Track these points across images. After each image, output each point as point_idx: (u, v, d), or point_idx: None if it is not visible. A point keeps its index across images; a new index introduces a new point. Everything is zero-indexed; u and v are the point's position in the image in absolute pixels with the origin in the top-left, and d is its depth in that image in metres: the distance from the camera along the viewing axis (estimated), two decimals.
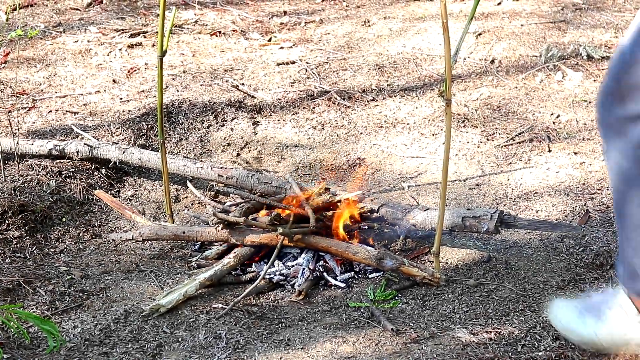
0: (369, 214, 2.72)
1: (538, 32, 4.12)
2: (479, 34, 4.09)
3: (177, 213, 3.03)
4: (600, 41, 3.95)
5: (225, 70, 3.83)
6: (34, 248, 2.72)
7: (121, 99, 3.61)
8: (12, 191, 2.92)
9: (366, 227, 2.70)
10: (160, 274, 2.61)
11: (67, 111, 3.52)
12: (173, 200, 3.08)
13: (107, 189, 3.10)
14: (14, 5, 4.48)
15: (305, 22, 4.42)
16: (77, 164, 3.13)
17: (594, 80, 3.66)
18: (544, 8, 4.43)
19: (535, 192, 2.99)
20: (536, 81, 3.71)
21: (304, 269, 2.59)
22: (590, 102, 3.51)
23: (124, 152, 3.10)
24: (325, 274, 2.60)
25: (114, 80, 3.77)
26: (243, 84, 3.71)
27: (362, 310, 2.38)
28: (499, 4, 4.48)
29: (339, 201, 2.68)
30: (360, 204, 2.70)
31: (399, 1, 4.70)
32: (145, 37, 4.18)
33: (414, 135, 3.38)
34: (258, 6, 4.67)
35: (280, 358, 2.16)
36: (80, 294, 2.47)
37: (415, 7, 4.59)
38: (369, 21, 4.38)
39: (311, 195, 2.68)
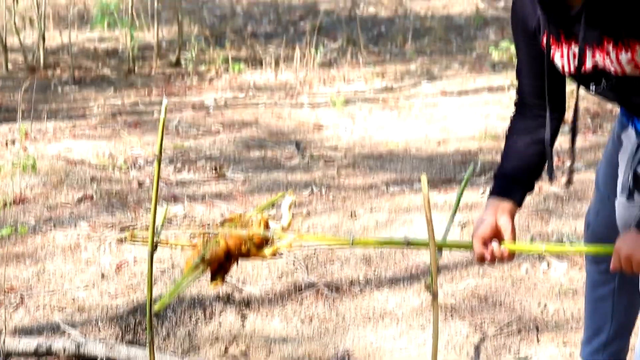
0: None
1: (522, 222, 4.20)
2: (464, 225, 4.17)
3: None
4: (581, 231, 4.01)
5: None
6: None
7: (109, 294, 3.62)
8: None
9: None
10: None
11: (55, 307, 3.51)
12: None
13: None
14: (4, 201, 4.55)
15: (293, 215, 4.49)
16: None
17: (580, 269, 3.70)
18: (527, 198, 4.52)
19: None
20: (522, 271, 3.75)
21: None
22: (576, 292, 3.54)
23: (111, 349, 3.08)
24: None
25: (102, 275, 3.79)
26: (231, 277, 3.73)
27: None
28: (483, 194, 4.59)
29: None
30: None
31: (385, 193, 4.81)
32: (134, 230, 4.23)
33: (402, 327, 3.38)
34: (246, 199, 4.76)
35: None
36: None
37: (401, 198, 4.69)
38: (355, 213, 4.46)
39: None
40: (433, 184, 4.88)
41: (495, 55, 8.16)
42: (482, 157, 5.36)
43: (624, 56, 1.98)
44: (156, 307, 2.15)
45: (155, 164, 2.19)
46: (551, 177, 2.25)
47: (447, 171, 5.19)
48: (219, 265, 2.23)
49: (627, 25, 1.94)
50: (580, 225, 4.09)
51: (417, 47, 9.06)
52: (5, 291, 3.63)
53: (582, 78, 2.11)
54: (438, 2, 11.18)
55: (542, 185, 4.74)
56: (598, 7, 1.95)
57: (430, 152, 5.64)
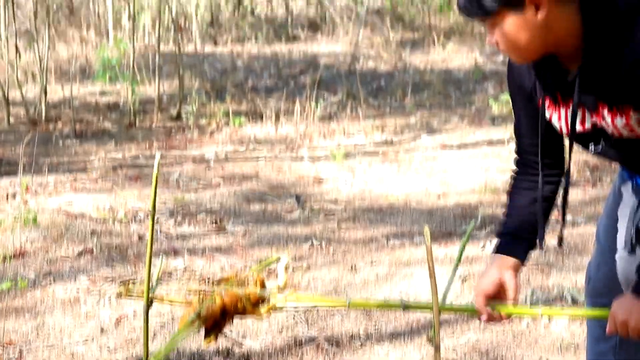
0: None
1: (522, 275, 4.19)
2: (465, 279, 4.16)
3: None
4: (581, 284, 4.00)
5: None
6: None
7: (109, 348, 3.60)
8: None
9: None
10: None
11: None
12: None
13: None
14: (5, 255, 4.54)
15: (293, 268, 4.49)
16: None
17: (581, 324, 3.68)
18: None
19: None
20: (523, 325, 3.73)
21: None
22: (578, 346, 3.51)
23: None
24: None
25: (102, 330, 3.77)
26: (231, 331, 3.71)
27: None
28: (483, 247, 4.58)
29: None
30: None
31: (385, 247, 4.80)
32: (134, 284, 4.21)
33: None
34: (246, 252, 4.76)
35: None
36: None
37: (401, 252, 4.68)
38: (355, 266, 4.46)
39: None
40: (434, 237, 4.88)
41: (495, 109, 8.22)
42: (482, 210, 5.36)
43: (619, 121, 2.00)
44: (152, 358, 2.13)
45: (150, 219, 2.20)
46: (542, 245, 2.25)
47: (447, 224, 5.19)
48: (214, 323, 2.22)
49: (620, 92, 1.96)
50: (581, 279, 4.08)
51: (417, 100, 9.13)
52: (4, 345, 3.61)
53: (581, 138, 2.13)
54: (437, 56, 11.29)
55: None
56: (592, 74, 1.97)
57: (430, 205, 5.64)
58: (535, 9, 1.91)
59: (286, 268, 2.30)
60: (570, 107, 2.07)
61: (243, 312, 2.21)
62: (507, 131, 7.38)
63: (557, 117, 2.13)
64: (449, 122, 8.19)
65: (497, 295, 2.19)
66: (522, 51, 1.99)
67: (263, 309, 2.21)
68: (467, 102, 8.99)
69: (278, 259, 2.33)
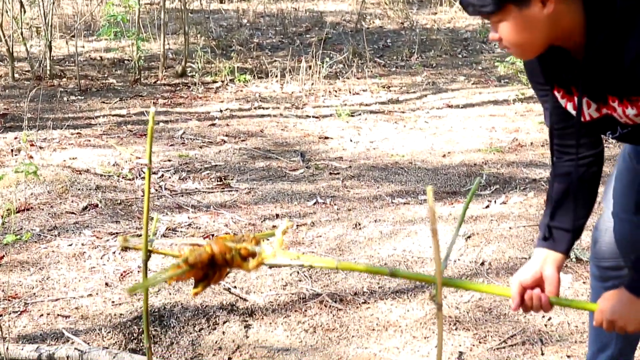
0: None
1: (526, 235, 4.19)
2: (468, 237, 4.16)
3: None
4: (587, 244, 4.01)
5: None
6: None
7: (113, 302, 3.61)
8: None
9: None
10: None
11: (58, 315, 3.51)
12: None
13: None
14: (9, 209, 4.55)
15: (297, 225, 4.49)
16: None
17: (583, 282, 3.69)
18: (531, 211, 4.52)
19: None
20: None
21: None
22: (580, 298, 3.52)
23: (114, 357, 3.08)
24: None
25: (106, 284, 3.79)
26: (235, 287, 3.73)
27: None
28: (487, 207, 4.58)
29: None
30: None
31: (389, 205, 4.80)
32: (139, 239, 4.22)
33: (406, 338, 3.37)
34: (251, 209, 4.76)
35: None
36: None
37: (405, 210, 4.68)
38: (359, 224, 4.46)
39: None
40: (438, 196, 4.88)
41: (501, 69, 8.17)
42: (487, 169, 5.36)
43: (631, 111, 1.98)
44: (128, 290, 2.13)
45: (147, 172, 2.19)
46: (578, 235, 2.24)
47: (452, 183, 5.19)
48: (204, 274, 2.21)
49: (626, 86, 1.94)
50: (585, 238, 4.08)
51: (423, 59, 9.08)
52: (8, 298, 3.63)
53: (598, 125, 2.11)
54: (444, 16, 11.20)
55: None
56: (596, 69, 1.96)
57: (435, 164, 5.63)
58: (541, 5, 1.88)
59: (284, 232, 2.29)
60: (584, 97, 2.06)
61: (231, 264, 2.20)
62: (513, 91, 7.34)
63: (572, 107, 2.11)
64: (455, 82, 8.15)
65: (536, 288, 2.17)
66: (525, 47, 1.96)
67: (252, 263, 2.20)
68: (474, 62, 8.94)
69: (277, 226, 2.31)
